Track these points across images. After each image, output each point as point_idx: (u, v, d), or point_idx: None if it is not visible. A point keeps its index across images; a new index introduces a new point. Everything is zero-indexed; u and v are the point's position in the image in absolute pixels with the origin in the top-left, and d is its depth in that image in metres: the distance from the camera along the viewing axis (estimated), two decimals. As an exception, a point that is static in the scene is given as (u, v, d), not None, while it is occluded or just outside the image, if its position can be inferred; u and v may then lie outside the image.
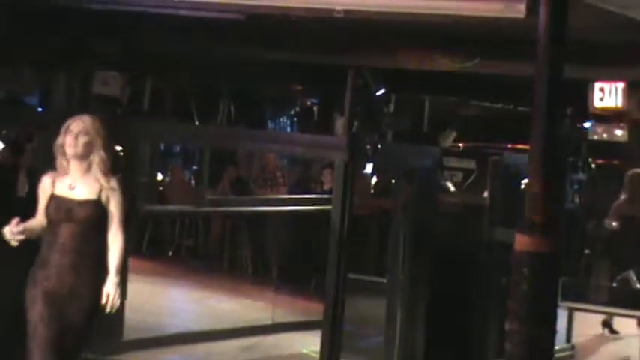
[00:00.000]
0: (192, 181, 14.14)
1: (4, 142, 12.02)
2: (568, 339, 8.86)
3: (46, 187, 5.13)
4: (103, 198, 5.11)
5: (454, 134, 9.74)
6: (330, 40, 6.56)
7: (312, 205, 10.53)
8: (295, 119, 15.06)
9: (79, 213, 5.06)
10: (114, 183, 5.15)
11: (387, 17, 5.64)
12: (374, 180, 12.63)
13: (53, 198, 5.10)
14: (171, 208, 12.66)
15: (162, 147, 13.87)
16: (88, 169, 5.10)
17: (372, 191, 12.36)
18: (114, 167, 5.16)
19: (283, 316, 9.25)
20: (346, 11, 5.59)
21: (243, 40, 6.77)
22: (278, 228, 11.10)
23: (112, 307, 5.11)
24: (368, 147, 7.14)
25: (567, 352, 8.73)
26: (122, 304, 7.59)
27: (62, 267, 5.05)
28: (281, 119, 15.16)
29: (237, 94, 12.44)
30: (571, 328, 8.85)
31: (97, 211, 5.10)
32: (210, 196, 11.80)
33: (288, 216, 10.92)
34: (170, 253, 12.72)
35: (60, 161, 5.12)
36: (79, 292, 5.06)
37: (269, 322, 9.08)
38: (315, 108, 14.40)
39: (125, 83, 7.67)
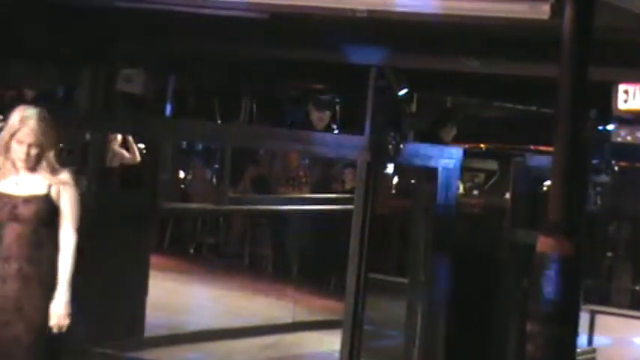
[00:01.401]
0: (214, 179, 14.17)
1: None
2: (590, 342, 8.81)
3: None
4: (53, 193, 4.52)
5: (455, 130, 9.75)
6: (352, 39, 6.55)
7: (333, 204, 10.53)
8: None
9: (24, 210, 4.46)
10: (65, 176, 4.56)
11: (410, 18, 5.63)
12: (395, 180, 12.61)
13: None
14: (192, 206, 12.71)
15: (184, 145, 13.91)
16: (38, 167, 4.55)
17: (394, 191, 12.34)
18: (66, 160, 4.77)
19: (304, 314, 9.26)
20: (369, 11, 5.59)
21: (267, 39, 6.78)
22: (299, 227, 11.11)
23: (59, 329, 4.42)
24: (390, 147, 7.12)
25: (589, 356, 8.68)
26: (143, 300, 7.77)
27: (7, 276, 4.41)
28: (299, 118, 15.14)
29: (260, 93, 12.46)
30: (593, 331, 8.81)
31: (46, 207, 4.48)
32: (232, 195, 11.83)
33: (310, 215, 10.93)
34: (191, 251, 12.76)
35: (3, 160, 4.55)
36: (25, 309, 4.40)
37: (289, 320, 9.09)
38: (337, 107, 14.37)
39: (149, 81, 7.70)
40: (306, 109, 10.98)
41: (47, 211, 4.49)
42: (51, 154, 4.54)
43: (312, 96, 10.14)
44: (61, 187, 4.53)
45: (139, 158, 8.86)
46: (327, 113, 8.37)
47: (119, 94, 7.58)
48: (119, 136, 9.97)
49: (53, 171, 4.54)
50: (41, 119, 4.54)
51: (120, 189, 9.59)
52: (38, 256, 4.46)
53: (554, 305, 4.67)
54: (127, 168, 10.27)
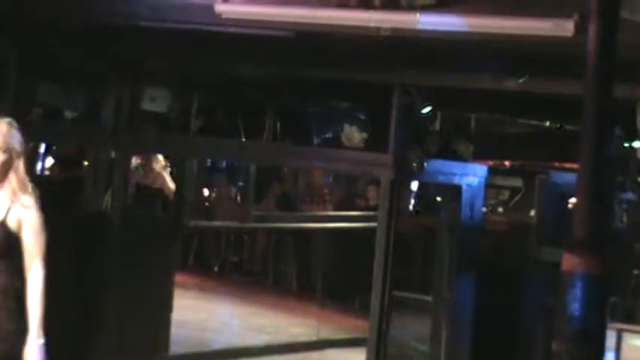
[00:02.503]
0: (238, 197, 14.21)
1: (53, 157, 12.15)
2: (616, 360, 8.73)
3: None
4: (11, 220, 3.99)
5: (472, 146, 9.77)
6: (376, 58, 6.57)
7: (357, 222, 10.53)
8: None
9: None
10: (27, 199, 4.02)
11: (434, 36, 5.64)
12: (420, 197, 12.59)
13: None
14: (216, 223, 12.75)
15: (208, 163, 13.96)
16: (5, 180, 4.05)
17: (418, 208, 12.32)
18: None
19: (328, 332, 9.25)
20: (393, 29, 5.60)
21: (290, 57, 6.81)
22: (323, 244, 11.11)
23: None
24: (413, 164, 7.12)
25: (615, 374, 8.60)
26: (168, 318, 7.80)
27: None
28: (327, 136, 15.19)
29: (284, 111, 12.51)
30: (620, 349, 8.73)
31: (2, 235, 3.95)
32: (256, 212, 11.87)
33: (334, 232, 10.93)
34: (216, 269, 12.79)
35: None
36: None
37: (314, 338, 9.09)
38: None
39: (173, 100, 7.75)
40: (336, 127, 11.02)
41: (3, 240, 3.97)
42: (21, 165, 4.06)
43: (347, 114, 10.18)
44: (22, 213, 3.99)
45: (174, 188, 8.97)
46: (362, 133, 8.41)
47: (144, 112, 7.63)
48: (161, 158, 10.03)
49: (23, 187, 4.03)
50: (11, 126, 4.13)
51: (152, 208, 9.65)
52: None
53: (580, 323, 4.63)
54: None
